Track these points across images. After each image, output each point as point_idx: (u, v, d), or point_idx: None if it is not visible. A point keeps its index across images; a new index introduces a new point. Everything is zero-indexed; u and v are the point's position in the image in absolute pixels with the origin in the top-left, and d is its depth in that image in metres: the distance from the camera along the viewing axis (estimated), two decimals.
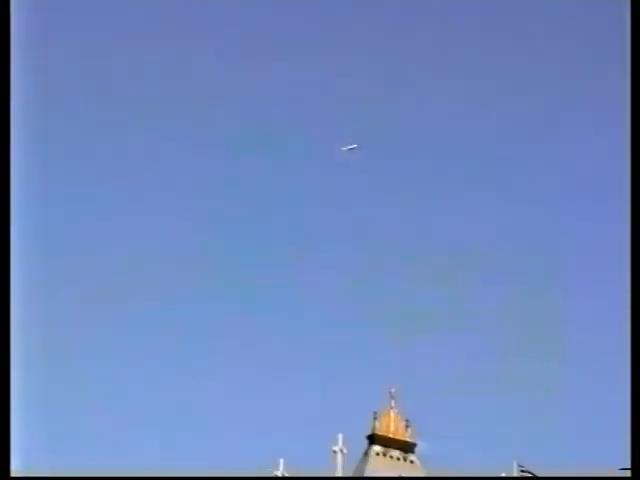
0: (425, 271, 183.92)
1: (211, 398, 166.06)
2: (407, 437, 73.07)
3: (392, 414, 72.46)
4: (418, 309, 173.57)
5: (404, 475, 71.52)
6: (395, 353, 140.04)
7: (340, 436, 67.93)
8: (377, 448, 71.93)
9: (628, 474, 45.52)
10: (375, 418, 72.44)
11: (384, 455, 72.00)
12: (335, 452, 67.81)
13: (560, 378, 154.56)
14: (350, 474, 69.95)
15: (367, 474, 71.18)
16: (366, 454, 72.07)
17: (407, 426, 72.93)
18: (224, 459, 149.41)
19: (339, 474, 67.65)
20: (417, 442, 73.66)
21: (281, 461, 69.62)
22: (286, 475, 70.20)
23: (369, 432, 72.34)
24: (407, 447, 73.02)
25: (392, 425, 72.66)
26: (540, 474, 62.05)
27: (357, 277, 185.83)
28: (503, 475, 69.03)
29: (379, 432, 72.18)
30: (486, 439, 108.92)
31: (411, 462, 73.15)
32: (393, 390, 73.21)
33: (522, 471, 61.33)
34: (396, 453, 72.68)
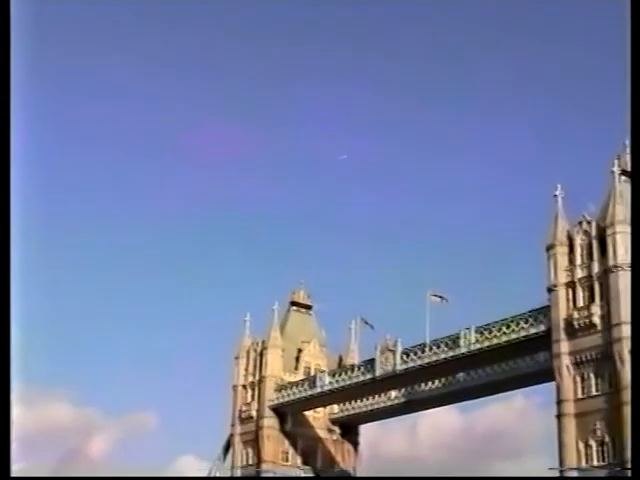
0: None
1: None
2: (308, 302, 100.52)
3: (301, 292, 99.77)
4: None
5: (307, 322, 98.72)
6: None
7: (276, 302, 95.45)
8: (294, 308, 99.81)
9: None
10: (293, 293, 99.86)
11: (297, 311, 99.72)
12: (273, 309, 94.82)
13: None
14: (281, 321, 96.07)
15: (289, 322, 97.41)
16: (288, 311, 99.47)
17: (308, 296, 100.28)
18: (208, 310, 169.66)
19: (276, 322, 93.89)
20: (313, 304, 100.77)
21: (248, 314, 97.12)
22: (248, 320, 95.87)
23: (290, 300, 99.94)
24: (308, 307, 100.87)
25: (301, 296, 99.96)
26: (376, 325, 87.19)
27: None
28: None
29: (295, 300, 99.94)
30: (352, 304, 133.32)
31: (310, 315, 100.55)
32: (302, 281, 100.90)
33: (363, 320, 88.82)
34: (303, 310, 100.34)
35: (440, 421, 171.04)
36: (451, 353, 77.02)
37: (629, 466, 59.57)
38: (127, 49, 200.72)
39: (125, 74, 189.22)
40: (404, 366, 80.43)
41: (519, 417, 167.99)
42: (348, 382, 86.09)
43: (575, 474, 63.97)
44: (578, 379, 67.07)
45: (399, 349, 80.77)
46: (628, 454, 60.24)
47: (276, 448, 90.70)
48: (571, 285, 69.05)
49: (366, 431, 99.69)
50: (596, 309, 66.37)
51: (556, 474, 64.43)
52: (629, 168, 71.67)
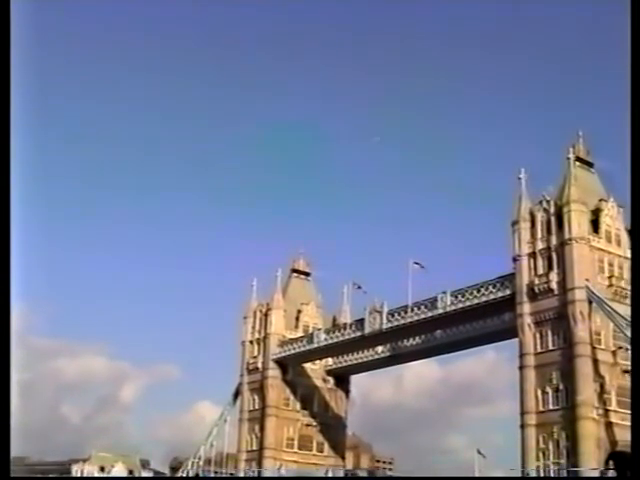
0: None
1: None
2: (307, 269, 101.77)
3: (301, 260, 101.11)
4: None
5: (306, 287, 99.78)
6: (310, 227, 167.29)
7: (280, 269, 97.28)
8: (295, 274, 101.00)
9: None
10: (294, 261, 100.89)
11: (297, 277, 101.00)
12: (277, 275, 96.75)
13: None
14: (284, 286, 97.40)
15: (290, 287, 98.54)
16: (290, 277, 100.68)
17: (307, 264, 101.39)
18: (221, 277, 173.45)
19: (279, 286, 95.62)
20: (311, 272, 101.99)
21: (254, 280, 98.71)
22: (255, 285, 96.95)
23: (291, 267, 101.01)
24: (307, 274, 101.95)
25: (300, 265, 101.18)
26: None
27: None
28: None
29: (295, 267, 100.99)
30: (345, 272, 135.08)
31: (308, 280, 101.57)
32: (302, 251, 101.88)
33: (355, 285, 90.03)
34: (302, 276, 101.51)
35: (422, 372, 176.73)
36: (430, 313, 78.77)
37: (580, 409, 64.62)
38: None
39: None
40: (389, 325, 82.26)
41: (490, 369, 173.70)
42: (341, 338, 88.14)
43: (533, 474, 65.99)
44: (538, 336, 69.32)
45: (385, 310, 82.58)
46: (578, 399, 64.93)
47: (279, 395, 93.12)
48: (533, 255, 71.08)
49: (359, 381, 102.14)
50: (554, 276, 68.74)
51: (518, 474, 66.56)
52: (583, 155, 75.34)
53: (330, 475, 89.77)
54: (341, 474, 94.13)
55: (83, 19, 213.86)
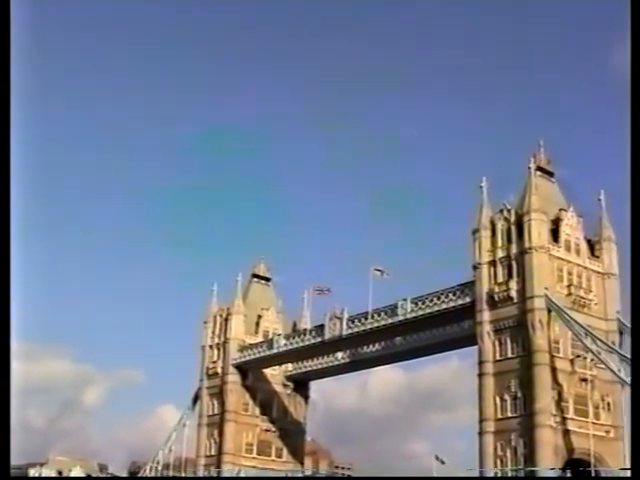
0: None
1: None
2: (267, 274, 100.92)
3: (262, 265, 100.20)
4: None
5: (266, 292, 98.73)
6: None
7: (240, 274, 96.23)
8: (255, 279, 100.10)
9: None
10: (254, 266, 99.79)
11: (258, 282, 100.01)
12: (237, 280, 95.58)
13: None
14: (244, 291, 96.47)
15: (250, 292, 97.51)
16: (250, 282, 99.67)
17: (268, 269, 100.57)
18: (182, 281, 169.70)
19: (239, 291, 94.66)
20: (272, 277, 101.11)
21: (215, 285, 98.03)
22: (216, 290, 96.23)
23: (252, 273, 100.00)
24: (267, 279, 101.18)
25: (261, 270, 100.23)
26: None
27: None
28: None
29: (256, 272, 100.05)
30: (305, 277, 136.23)
31: (268, 285, 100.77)
32: (262, 256, 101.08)
33: (316, 290, 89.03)
34: (262, 281, 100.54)
35: (387, 378, 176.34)
36: (390, 320, 78.31)
37: (537, 416, 64.21)
38: None
39: None
40: (349, 331, 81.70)
41: (454, 376, 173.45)
42: (301, 344, 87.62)
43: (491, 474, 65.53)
44: (497, 343, 68.96)
45: (345, 316, 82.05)
46: (536, 406, 64.59)
47: (238, 400, 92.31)
48: (493, 264, 70.84)
49: (322, 387, 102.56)
50: (513, 284, 68.50)
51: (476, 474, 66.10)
52: (543, 164, 75.17)
53: None
54: None
55: (83, 20, 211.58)
